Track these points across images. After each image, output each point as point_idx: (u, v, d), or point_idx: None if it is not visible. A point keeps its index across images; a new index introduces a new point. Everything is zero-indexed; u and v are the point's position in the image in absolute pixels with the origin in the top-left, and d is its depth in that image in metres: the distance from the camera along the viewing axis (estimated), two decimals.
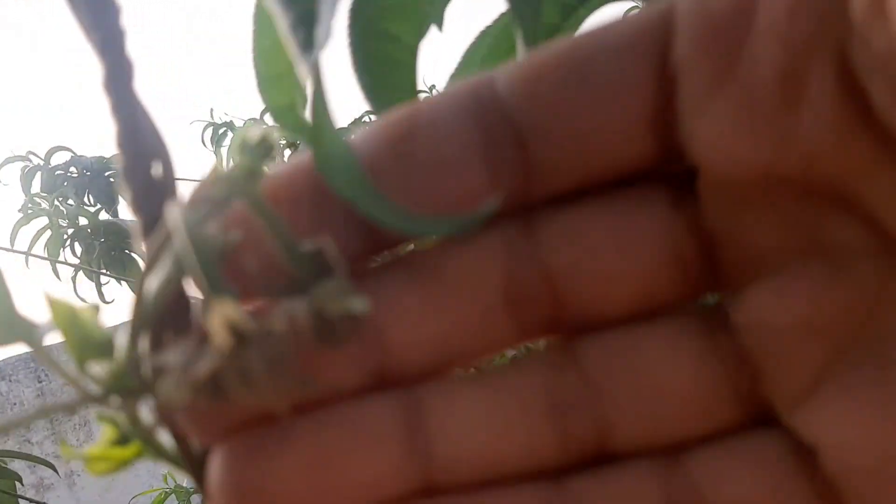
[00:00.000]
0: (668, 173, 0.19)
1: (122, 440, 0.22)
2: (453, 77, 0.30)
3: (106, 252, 1.26)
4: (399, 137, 0.18)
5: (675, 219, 0.19)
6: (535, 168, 0.18)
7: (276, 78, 0.24)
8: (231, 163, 0.20)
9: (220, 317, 0.15)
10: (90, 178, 1.40)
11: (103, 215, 1.31)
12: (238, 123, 1.77)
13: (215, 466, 0.19)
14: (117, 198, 1.41)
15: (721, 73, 0.17)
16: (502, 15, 0.29)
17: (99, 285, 1.25)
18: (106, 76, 0.19)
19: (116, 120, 0.20)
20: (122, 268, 1.27)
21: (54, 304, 0.20)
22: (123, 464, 0.22)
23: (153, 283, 0.19)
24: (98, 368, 0.20)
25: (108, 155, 1.47)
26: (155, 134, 0.20)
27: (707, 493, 0.18)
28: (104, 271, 1.26)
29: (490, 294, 0.19)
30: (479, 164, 0.18)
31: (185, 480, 1.46)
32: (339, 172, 0.18)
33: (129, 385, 0.20)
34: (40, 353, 0.20)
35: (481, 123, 0.18)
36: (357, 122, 1.12)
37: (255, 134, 0.21)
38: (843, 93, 0.16)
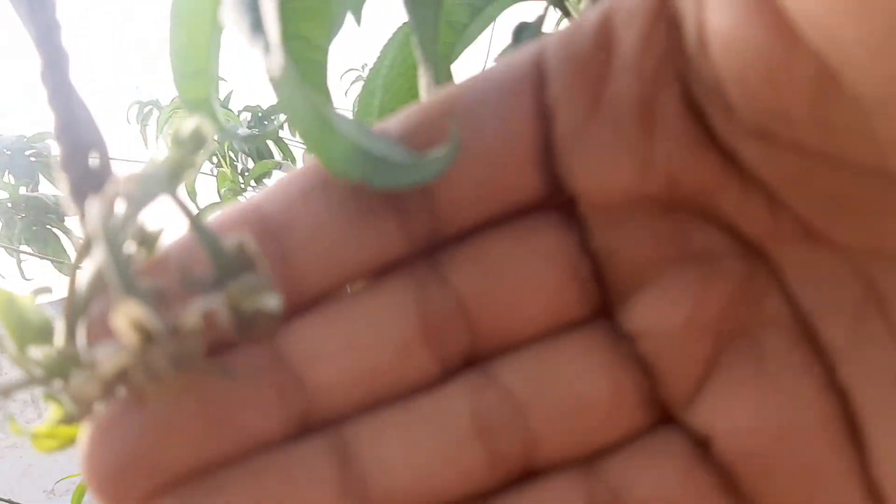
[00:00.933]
0: (557, 199, 0.21)
1: (68, 419, 0.22)
2: (366, 89, 0.30)
3: (27, 227, 1.23)
4: (305, 199, 0.20)
5: (567, 240, 0.21)
6: (438, 210, 0.20)
7: (192, 74, 0.25)
8: (165, 148, 0.20)
9: (127, 316, 0.16)
10: (10, 157, 1.37)
11: (24, 190, 1.27)
12: (163, 101, 1.74)
13: None
14: (38, 176, 1.38)
15: (588, 107, 0.19)
16: (405, 24, 0.30)
17: (19, 261, 1.23)
18: (43, 67, 0.20)
19: (54, 111, 0.20)
20: (43, 244, 1.25)
21: None
22: (70, 442, 0.22)
23: (84, 274, 0.19)
24: (37, 352, 0.20)
25: (28, 134, 1.43)
26: (91, 124, 0.20)
27: (622, 493, 0.20)
28: (25, 247, 1.23)
29: (405, 329, 0.20)
30: (388, 213, 0.20)
31: None
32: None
33: (67, 369, 0.20)
34: None
35: None
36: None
37: (188, 126, 0.21)
38: (689, 118, 0.19)
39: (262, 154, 1.38)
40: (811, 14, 0.15)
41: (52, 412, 0.23)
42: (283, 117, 1.45)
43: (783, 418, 0.19)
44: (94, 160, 0.20)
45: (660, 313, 0.20)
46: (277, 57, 0.19)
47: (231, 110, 1.41)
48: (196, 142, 0.21)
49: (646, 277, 0.20)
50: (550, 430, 0.20)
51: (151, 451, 0.18)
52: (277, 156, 1.44)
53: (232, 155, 1.38)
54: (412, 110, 0.21)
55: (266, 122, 1.47)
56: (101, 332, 0.18)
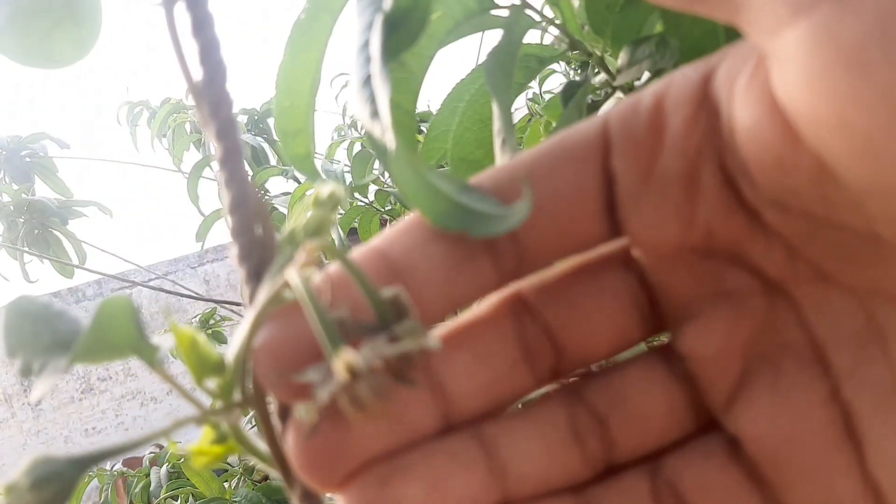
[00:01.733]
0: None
1: (219, 439, 0.26)
2: (430, 136, 0.35)
3: (29, 230, 1.26)
4: (418, 248, 0.25)
5: (628, 276, 0.27)
6: (523, 251, 0.25)
7: (294, 133, 0.30)
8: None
9: (342, 361, 0.21)
10: (6, 157, 1.39)
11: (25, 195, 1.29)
12: (154, 103, 1.75)
13: (355, 490, 0.24)
14: (32, 177, 1.39)
15: (643, 176, 0.25)
16: (472, 71, 0.34)
17: (23, 263, 1.25)
18: (223, 157, 0.24)
19: (229, 190, 0.25)
20: (45, 246, 1.27)
21: (178, 333, 0.24)
22: (220, 458, 0.27)
23: (259, 326, 0.23)
24: (212, 383, 0.25)
25: (24, 134, 1.44)
26: (258, 201, 0.25)
27: (676, 483, 0.26)
28: (27, 249, 1.26)
29: (511, 350, 0.26)
30: (484, 256, 0.25)
31: (108, 464, 1.46)
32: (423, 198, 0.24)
33: (233, 399, 0.25)
34: (161, 374, 0.25)
35: None
36: None
37: (325, 190, 0.26)
38: (723, 186, 0.24)
39: (257, 158, 1.41)
40: (808, 126, 0.20)
41: (206, 433, 0.27)
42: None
43: (793, 425, 0.24)
44: (258, 230, 0.25)
45: (701, 341, 0.25)
46: (391, 138, 0.24)
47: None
48: (333, 202, 0.26)
49: (690, 310, 0.26)
50: (624, 435, 0.26)
51: (346, 443, 0.24)
52: (272, 159, 1.47)
53: None
54: (498, 170, 0.26)
55: (262, 124, 1.51)
56: (267, 366, 0.23)
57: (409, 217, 0.25)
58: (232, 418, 0.25)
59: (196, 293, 1.52)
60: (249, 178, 0.25)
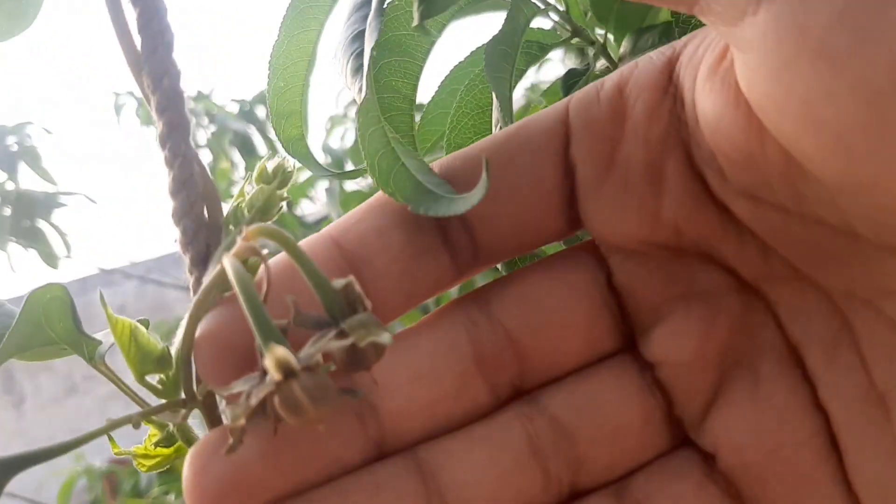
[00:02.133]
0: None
1: (165, 441, 0.25)
2: (426, 119, 0.33)
3: (15, 222, 1.24)
4: (379, 234, 0.23)
5: (596, 278, 0.24)
6: (479, 245, 0.24)
7: (287, 114, 0.28)
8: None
9: (273, 357, 0.18)
10: None
11: (10, 185, 1.28)
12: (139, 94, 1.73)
13: None
14: (17, 165, 1.38)
15: (603, 167, 0.23)
16: (472, 53, 0.32)
17: (8, 255, 1.23)
18: (165, 133, 0.22)
19: (172, 169, 0.23)
20: (32, 238, 1.25)
21: (115, 323, 0.22)
22: (168, 461, 0.25)
23: (200, 317, 0.21)
24: (153, 379, 0.23)
25: (9, 124, 1.43)
26: (205, 180, 0.23)
27: None
28: (13, 240, 1.24)
29: (462, 362, 0.23)
30: (441, 249, 0.23)
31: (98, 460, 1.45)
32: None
33: (177, 396, 0.23)
34: (101, 368, 0.23)
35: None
36: None
37: (271, 164, 0.24)
38: (691, 178, 0.22)
39: (247, 147, 1.39)
40: (774, 122, 0.18)
41: (151, 434, 0.25)
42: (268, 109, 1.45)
43: (775, 435, 0.22)
44: (205, 211, 0.23)
45: (673, 346, 0.23)
46: (362, 86, 0.22)
47: (216, 103, 1.42)
48: (281, 177, 0.24)
49: (660, 313, 0.24)
50: (593, 452, 0.23)
51: (249, 476, 0.21)
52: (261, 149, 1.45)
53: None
54: (455, 156, 0.24)
55: (252, 113, 1.49)
56: (209, 360, 0.21)
57: (365, 205, 0.23)
58: (177, 418, 0.23)
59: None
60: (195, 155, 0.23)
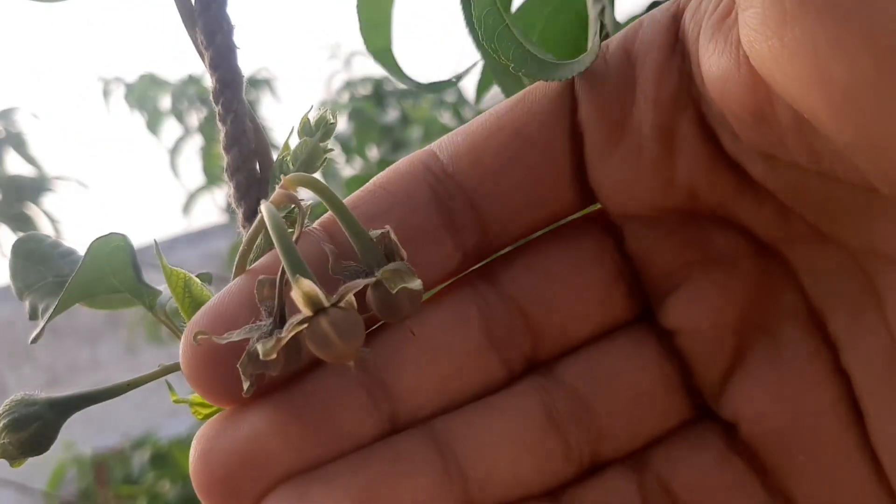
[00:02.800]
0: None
1: None
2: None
3: (5, 207, 1.23)
4: (371, 218, 0.22)
5: (608, 246, 0.24)
6: (486, 225, 0.23)
7: (375, 25, 0.28)
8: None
9: (301, 291, 0.18)
10: None
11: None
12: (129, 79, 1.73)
13: None
14: (3, 151, 1.37)
15: (613, 131, 0.22)
16: None
17: None
18: (218, 89, 0.23)
19: (225, 124, 0.23)
20: (22, 223, 1.25)
21: (170, 274, 0.23)
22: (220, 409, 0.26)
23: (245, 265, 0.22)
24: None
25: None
26: (258, 134, 0.24)
27: (668, 480, 0.23)
28: (3, 225, 1.24)
29: (473, 336, 0.22)
30: (443, 233, 0.22)
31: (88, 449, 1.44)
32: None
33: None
34: (161, 318, 0.24)
35: (438, 196, 0.22)
36: None
37: (314, 116, 0.24)
38: (703, 139, 0.21)
39: None
40: (780, 81, 0.18)
41: None
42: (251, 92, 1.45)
43: (798, 403, 0.22)
44: (257, 167, 0.24)
45: (690, 313, 0.23)
46: None
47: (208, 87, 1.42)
48: (325, 129, 0.24)
49: (676, 279, 0.23)
50: (612, 423, 0.23)
51: (260, 452, 0.20)
52: None
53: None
54: (459, 132, 0.23)
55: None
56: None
57: (359, 190, 0.23)
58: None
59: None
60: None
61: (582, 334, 0.23)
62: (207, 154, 1.34)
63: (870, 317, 0.21)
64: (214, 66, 0.23)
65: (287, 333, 0.19)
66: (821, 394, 0.22)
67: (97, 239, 0.21)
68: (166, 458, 1.27)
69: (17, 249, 0.22)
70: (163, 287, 0.24)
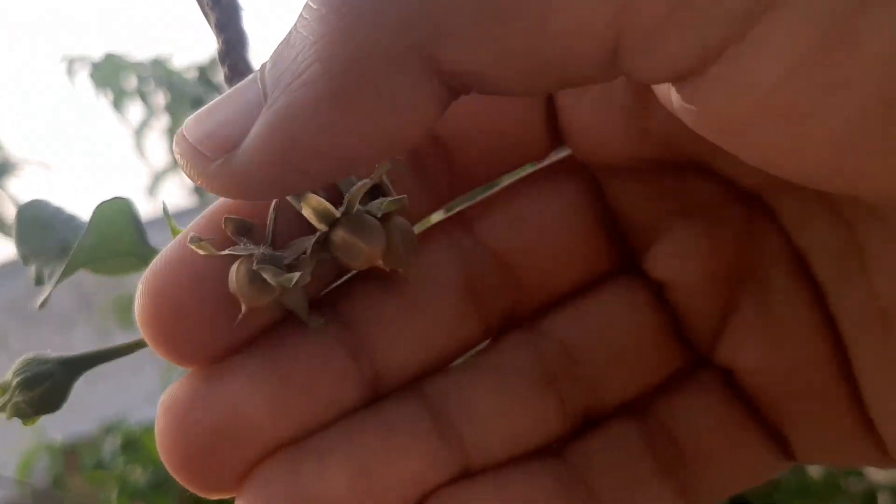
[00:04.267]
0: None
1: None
2: None
3: None
4: None
5: (588, 191, 0.23)
6: (456, 171, 0.22)
7: None
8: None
9: (311, 208, 0.18)
10: None
11: None
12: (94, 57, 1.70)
13: (256, 487, 0.19)
14: None
15: None
16: None
17: None
18: (224, 51, 0.23)
19: (231, 86, 0.23)
20: None
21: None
22: None
23: None
24: None
25: None
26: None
27: (671, 426, 0.23)
28: None
29: (452, 289, 0.22)
30: (410, 174, 0.22)
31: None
32: None
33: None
34: None
35: None
36: None
37: None
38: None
39: None
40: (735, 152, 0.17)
41: None
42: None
43: (792, 353, 0.22)
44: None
45: (675, 264, 0.22)
46: None
47: (174, 69, 1.39)
48: None
49: (658, 230, 0.22)
50: (605, 374, 0.23)
51: (240, 420, 0.19)
52: None
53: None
54: None
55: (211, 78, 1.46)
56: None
57: None
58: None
59: None
60: None
61: (564, 286, 0.23)
62: (174, 135, 1.32)
63: (852, 266, 0.20)
64: (221, 27, 0.23)
65: (311, 253, 0.18)
66: (814, 343, 0.21)
67: (101, 203, 0.20)
68: (137, 445, 1.26)
69: (22, 215, 0.22)
70: None
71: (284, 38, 0.16)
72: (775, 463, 0.23)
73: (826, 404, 0.22)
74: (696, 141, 0.20)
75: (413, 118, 0.16)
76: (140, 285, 0.18)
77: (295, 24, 0.16)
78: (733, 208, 0.22)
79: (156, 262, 0.19)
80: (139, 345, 0.22)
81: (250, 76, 0.17)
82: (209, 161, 0.17)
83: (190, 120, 0.18)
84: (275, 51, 0.17)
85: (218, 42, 0.23)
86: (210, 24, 0.23)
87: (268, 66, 0.17)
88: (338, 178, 0.18)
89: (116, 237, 0.21)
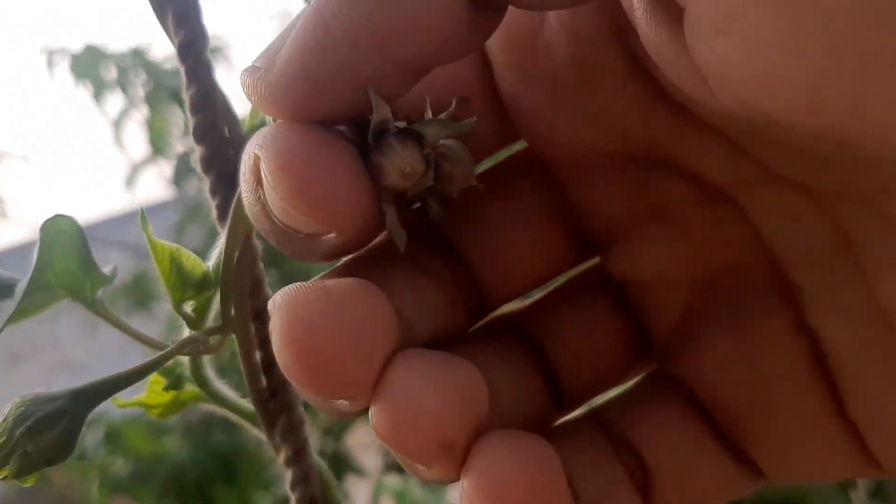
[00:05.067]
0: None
1: (171, 385, 0.23)
2: None
3: None
4: None
5: (548, 193, 0.21)
6: None
7: None
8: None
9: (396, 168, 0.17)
10: None
11: None
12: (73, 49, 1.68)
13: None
14: None
15: (522, 63, 0.20)
16: None
17: None
18: (185, 45, 0.21)
19: (192, 84, 0.22)
20: None
21: (156, 247, 0.21)
22: (179, 405, 0.24)
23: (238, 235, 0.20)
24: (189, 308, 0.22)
25: None
26: (224, 98, 0.22)
27: (630, 438, 0.21)
28: None
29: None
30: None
31: None
32: None
33: (208, 320, 0.22)
34: (108, 317, 0.22)
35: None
36: None
37: None
38: (636, 75, 0.19)
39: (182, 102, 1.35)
40: (728, 88, 0.15)
41: (154, 381, 0.24)
42: None
43: (756, 366, 0.20)
44: (226, 131, 0.22)
45: (631, 268, 0.21)
46: None
47: (153, 60, 1.38)
48: None
49: (618, 230, 0.21)
50: (567, 375, 0.21)
51: (365, 335, 0.17)
52: None
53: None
54: None
55: None
56: None
57: None
58: (210, 348, 0.22)
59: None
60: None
61: (527, 284, 0.22)
62: (153, 126, 1.31)
63: (840, 267, 0.19)
64: (179, 24, 0.21)
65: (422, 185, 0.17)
66: (783, 353, 0.20)
67: (46, 224, 0.19)
68: (119, 437, 1.25)
69: None
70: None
71: None
72: (740, 481, 0.21)
73: (799, 420, 0.20)
74: (655, 133, 0.19)
75: (442, 13, 0.16)
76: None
77: None
78: (699, 209, 0.20)
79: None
80: (155, 365, 0.20)
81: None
82: (258, 70, 0.16)
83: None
84: None
85: (177, 36, 0.21)
86: (165, 19, 0.21)
87: None
88: (372, 81, 0.16)
89: (52, 266, 0.20)
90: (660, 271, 0.21)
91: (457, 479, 0.17)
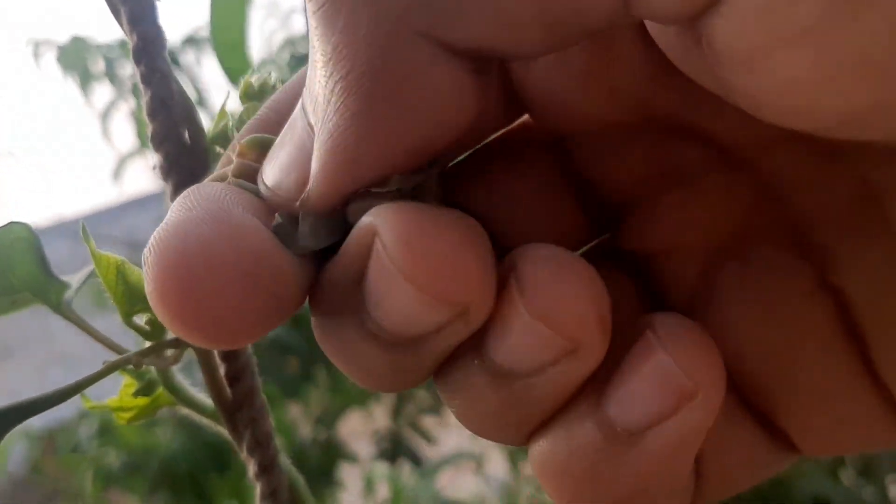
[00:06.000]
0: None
1: (143, 390, 0.22)
2: None
3: None
4: None
5: (560, 164, 0.21)
6: None
7: (231, 46, 0.26)
8: None
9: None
10: None
11: None
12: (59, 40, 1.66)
13: None
14: None
15: (535, 37, 0.18)
16: None
17: None
18: (139, 47, 0.20)
19: (149, 88, 0.20)
20: None
21: (100, 259, 0.20)
22: (148, 411, 0.23)
23: None
24: (141, 320, 0.21)
25: None
26: (184, 100, 0.21)
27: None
28: None
29: None
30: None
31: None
32: None
33: (164, 337, 0.21)
34: (70, 316, 0.21)
35: None
36: None
37: (255, 79, 0.22)
38: (648, 42, 0.17)
39: None
40: (751, 103, 0.15)
41: (127, 384, 0.23)
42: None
43: (779, 330, 0.19)
44: (186, 136, 0.21)
45: (647, 237, 0.20)
46: None
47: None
48: (270, 93, 0.21)
49: (633, 201, 0.20)
50: None
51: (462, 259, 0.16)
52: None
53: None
54: None
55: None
56: None
57: None
58: (166, 361, 0.21)
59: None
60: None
61: None
62: (141, 118, 1.30)
63: (868, 222, 0.18)
64: (134, 21, 0.20)
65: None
66: (806, 315, 0.19)
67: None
68: (112, 429, 1.24)
69: None
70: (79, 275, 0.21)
71: (310, 57, 0.16)
72: (775, 456, 0.20)
73: (828, 383, 0.19)
74: (670, 98, 0.19)
75: (449, 102, 0.16)
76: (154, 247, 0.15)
77: (310, 37, 0.16)
78: (716, 174, 0.20)
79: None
80: (77, 389, 0.19)
81: (297, 108, 0.17)
82: (291, 202, 0.17)
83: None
84: (308, 74, 0.17)
85: (131, 38, 0.20)
86: (120, 17, 0.20)
87: (305, 93, 0.17)
88: (402, 171, 0.17)
89: (11, 271, 0.18)
90: (676, 240, 0.20)
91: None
